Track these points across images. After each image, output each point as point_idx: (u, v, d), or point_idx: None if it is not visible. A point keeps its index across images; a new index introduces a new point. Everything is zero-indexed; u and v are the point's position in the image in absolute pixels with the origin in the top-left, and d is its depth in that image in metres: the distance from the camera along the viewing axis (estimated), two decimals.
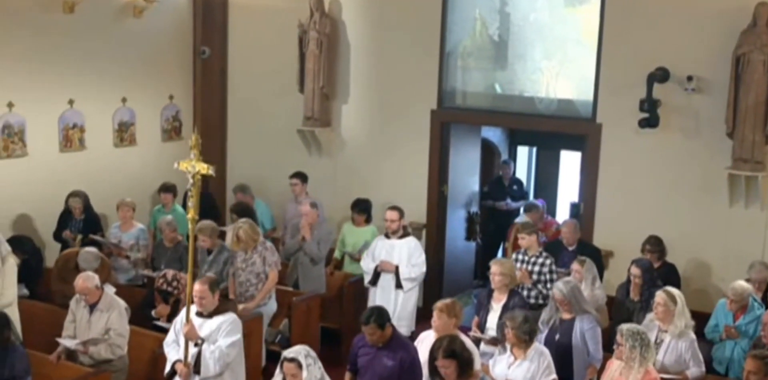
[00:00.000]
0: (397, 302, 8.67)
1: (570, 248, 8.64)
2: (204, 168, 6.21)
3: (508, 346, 6.22)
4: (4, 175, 9.47)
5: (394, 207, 8.82)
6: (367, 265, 8.85)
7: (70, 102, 10.11)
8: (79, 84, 10.15)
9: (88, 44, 10.17)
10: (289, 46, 10.93)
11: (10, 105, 9.48)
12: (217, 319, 6.41)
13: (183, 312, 6.52)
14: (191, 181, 6.30)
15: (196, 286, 6.36)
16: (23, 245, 8.71)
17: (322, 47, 10.64)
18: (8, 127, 9.51)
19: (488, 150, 12.14)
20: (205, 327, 6.38)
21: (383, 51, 10.62)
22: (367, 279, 8.84)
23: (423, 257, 8.84)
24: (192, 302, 6.39)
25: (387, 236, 8.80)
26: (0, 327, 6.31)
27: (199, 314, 6.45)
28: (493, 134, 12.33)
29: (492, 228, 11.65)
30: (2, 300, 7.36)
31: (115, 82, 10.59)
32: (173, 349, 6.54)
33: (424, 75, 10.30)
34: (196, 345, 6.30)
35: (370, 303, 8.54)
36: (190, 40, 11.53)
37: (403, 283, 8.63)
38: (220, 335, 6.33)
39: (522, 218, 9.92)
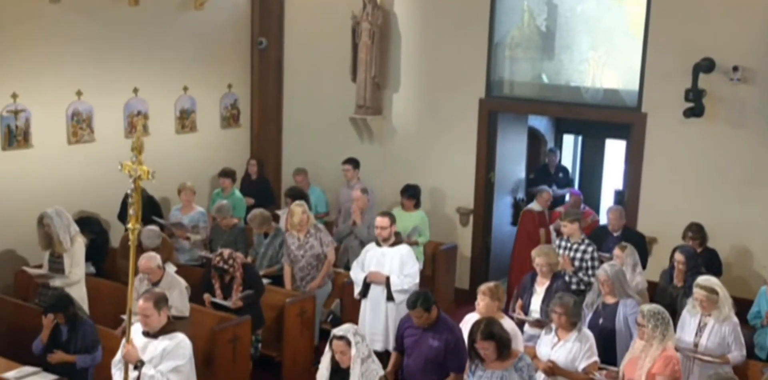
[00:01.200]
0: (389, 315, 7.68)
1: (615, 234, 8.55)
2: (145, 172, 5.48)
3: (553, 327, 6.19)
4: (73, 159, 9.65)
5: (384, 213, 7.92)
6: (356, 275, 7.90)
7: (135, 90, 10.26)
8: (143, 73, 10.29)
9: (151, 35, 10.30)
10: (343, 37, 10.93)
11: (79, 93, 9.65)
12: (163, 341, 5.50)
13: (132, 328, 5.60)
14: (131, 185, 5.54)
15: (140, 303, 5.50)
16: (91, 225, 8.88)
17: (374, 38, 10.64)
18: (77, 114, 9.68)
19: (534, 138, 12.05)
20: (150, 348, 5.49)
21: (433, 42, 10.58)
22: (356, 290, 7.92)
23: (416, 267, 7.88)
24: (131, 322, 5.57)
25: (378, 244, 7.84)
26: (66, 305, 6.45)
27: (146, 334, 5.57)
28: (540, 123, 12.24)
29: None
30: (71, 278, 7.55)
31: (177, 72, 10.72)
32: (118, 370, 5.64)
33: (472, 65, 10.24)
34: (135, 367, 5.39)
35: (361, 318, 7.80)
36: (248, 31, 11.61)
37: (395, 295, 7.62)
38: (163, 359, 5.43)
39: (534, 205, 9.92)
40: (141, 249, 8.18)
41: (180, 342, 5.53)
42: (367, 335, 7.11)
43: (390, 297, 7.63)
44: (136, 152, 5.49)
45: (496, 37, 10.19)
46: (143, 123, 10.37)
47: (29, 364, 6.60)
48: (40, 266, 7.86)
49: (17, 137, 9.10)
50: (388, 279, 7.61)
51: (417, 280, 7.78)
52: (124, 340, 5.55)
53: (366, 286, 7.75)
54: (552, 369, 6.01)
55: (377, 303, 7.71)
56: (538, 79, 10.17)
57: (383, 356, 7.13)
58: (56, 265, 7.62)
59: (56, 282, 7.49)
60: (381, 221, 7.73)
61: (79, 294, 7.44)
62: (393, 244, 7.76)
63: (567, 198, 12.20)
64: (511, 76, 10.28)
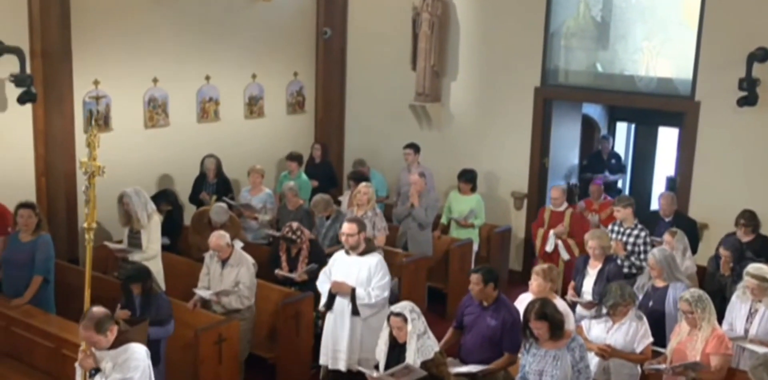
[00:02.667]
0: (354, 331, 6.77)
1: (666, 219, 8.38)
2: (97, 167, 5.13)
3: (604, 310, 6.11)
4: (150, 142, 9.82)
5: (352, 220, 6.93)
6: (321, 285, 6.95)
7: (207, 78, 10.37)
8: (214, 62, 10.39)
9: (222, 26, 10.39)
10: (403, 27, 10.92)
11: (155, 80, 9.80)
12: (116, 354, 5.02)
13: None
14: (87, 183, 5.16)
15: (82, 332, 4.99)
16: (168, 196, 9.04)
17: (433, 28, 10.60)
18: (153, 100, 9.84)
19: (588, 125, 11.89)
20: (108, 358, 5.02)
21: (491, 31, 10.49)
22: (322, 301, 6.97)
23: (387, 279, 6.80)
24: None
25: (347, 252, 6.87)
26: (144, 278, 6.55)
27: None
28: (594, 110, 12.07)
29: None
30: (148, 253, 7.70)
31: (246, 61, 10.80)
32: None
33: (528, 54, 10.14)
34: (90, 375, 4.99)
35: (325, 332, 6.97)
36: (313, 22, 11.64)
37: (360, 310, 6.69)
38: (114, 372, 4.97)
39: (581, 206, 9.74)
40: (210, 225, 8.33)
41: (132, 356, 5.02)
42: (329, 352, 6.89)
43: (355, 312, 6.70)
44: (90, 148, 5.13)
45: (552, 27, 10.07)
46: (214, 109, 10.51)
47: None
48: (120, 241, 8.02)
49: (98, 121, 9.28)
50: (353, 291, 6.69)
51: (386, 294, 6.76)
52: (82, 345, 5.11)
53: (331, 297, 6.85)
54: (609, 353, 5.93)
55: (342, 318, 6.79)
56: (593, 68, 10.02)
57: (346, 378, 6.85)
58: (135, 241, 7.78)
59: (134, 256, 7.64)
60: (348, 227, 6.75)
61: (156, 267, 7.59)
62: (362, 253, 6.78)
63: (620, 184, 12.07)
64: (566, 65, 10.14)
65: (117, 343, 5.00)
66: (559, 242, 8.76)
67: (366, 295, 6.64)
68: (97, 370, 4.95)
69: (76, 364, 5.13)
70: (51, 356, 6.48)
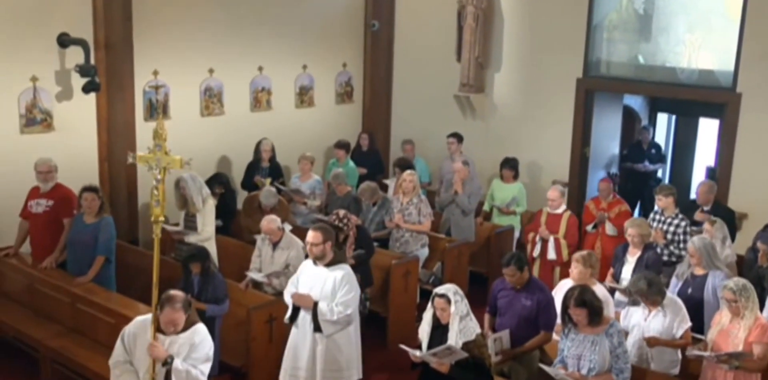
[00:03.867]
0: (316, 350, 6.03)
1: (705, 208, 8.21)
2: (176, 161, 4.68)
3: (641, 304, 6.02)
4: (205, 130, 9.91)
5: (317, 228, 6.01)
6: (287, 295, 6.18)
7: (260, 68, 10.43)
8: (267, 53, 10.44)
9: (275, 18, 10.42)
10: (449, 19, 10.86)
11: (211, 71, 9.88)
12: (184, 336, 4.94)
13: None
14: (158, 176, 4.72)
15: (169, 313, 4.83)
16: (221, 179, 9.12)
17: (478, 21, 10.53)
18: (209, 89, 9.93)
19: (629, 116, 11.69)
20: (175, 344, 4.92)
21: (534, 24, 10.37)
22: (287, 314, 6.20)
23: (353, 294, 5.95)
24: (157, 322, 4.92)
25: (314, 261, 6.09)
26: (202, 259, 6.61)
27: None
28: (635, 102, 11.87)
29: (630, 187, 11.30)
30: (203, 235, 7.78)
31: (297, 52, 10.83)
32: (124, 372, 5.04)
33: (571, 46, 10.01)
34: (164, 364, 4.84)
35: (288, 347, 6.25)
36: (361, 14, 11.61)
37: (322, 326, 5.92)
38: (193, 351, 4.92)
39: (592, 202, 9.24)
40: (261, 209, 8.40)
41: (205, 335, 4.99)
42: (288, 369, 6.19)
43: (317, 328, 5.95)
44: (159, 140, 4.72)
45: (595, 20, 9.93)
46: (266, 98, 10.57)
47: None
48: (177, 224, 8.11)
49: (157, 109, 9.40)
50: (316, 305, 5.93)
51: (350, 311, 5.91)
52: (142, 337, 4.94)
53: (296, 310, 6.10)
54: (653, 343, 5.85)
55: (304, 333, 6.05)
56: (635, 60, 9.86)
57: None
58: (190, 223, 7.86)
59: (190, 238, 7.72)
60: (312, 236, 5.91)
61: (211, 249, 7.65)
62: (329, 264, 6.00)
63: (660, 174, 11.86)
64: (608, 57, 10.00)
65: (187, 325, 4.94)
66: (550, 241, 8.22)
67: (329, 311, 5.87)
68: (172, 358, 4.83)
69: (114, 362, 5.01)
70: (112, 331, 6.57)
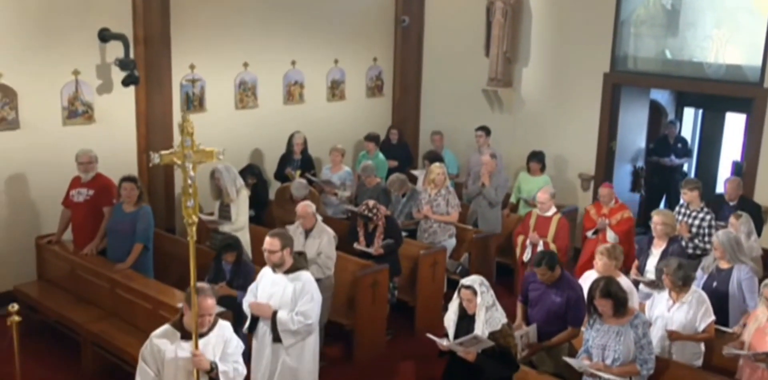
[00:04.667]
0: (276, 360, 5.59)
1: (731, 203, 8.08)
2: (209, 154, 4.30)
3: (666, 289, 5.96)
4: (240, 122, 9.96)
5: (274, 234, 5.56)
6: (245, 305, 5.75)
7: (293, 63, 10.44)
8: (299, 48, 10.44)
9: (307, 14, 10.42)
10: (478, 15, 10.79)
11: (246, 65, 9.91)
12: (214, 334, 4.74)
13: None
14: (191, 173, 4.24)
15: (208, 301, 4.61)
16: (253, 170, 9.17)
17: (507, 16, 10.46)
18: (243, 83, 9.96)
19: (656, 110, 11.55)
20: (213, 340, 4.75)
21: (562, 19, 10.26)
22: (246, 324, 5.75)
23: (314, 303, 5.50)
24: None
25: (273, 269, 5.63)
26: (236, 248, 6.66)
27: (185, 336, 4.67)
28: (661, 96, 11.71)
29: (656, 181, 11.19)
30: (236, 224, 7.82)
31: (329, 46, 10.83)
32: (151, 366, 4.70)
33: (598, 41, 9.89)
34: (210, 371, 4.61)
35: (252, 359, 5.68)
36: (392, 10, 11.58)
37: (282, 336, 5.49)
38: (228, 348, 4.77)
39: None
40: (292, 200, 8.43)
41: (229, 327, 4.81)
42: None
43: (276, 338, 5.51)
44: (186, 135, 4.29)
45: (623, 15, 9.80)
46: (299, 92, 10.59)
47: None
48: (211, 213, 8.16)
49: (194, 102, 9.46)
50: (274, 314, 5.50)
51: (311, 321, 5.46)
52: (170, 351, 4.65)
53: (255, 319, 5.66)
54: (675, 337, 5.79)
55: (263, 344, 5.59)
56: (662, 55, 9.71)
57: None
58: (225, 213, 7.90)
59: (224, 227, 7.77)
60: (269, 243, 5.47)
61: (244, 238, 7.70)
62: (288, 271, 5.55)
63: (686, 168, 11.69)
64: (635, 52, 9.85)
65: (213, 322, 4.76)
66: (540, 245, 7.70)
67: (289, 320, 5.42)
68: (215, 364, 4.63)
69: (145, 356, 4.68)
70: (149, 316, 6.67)
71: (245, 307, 5.71)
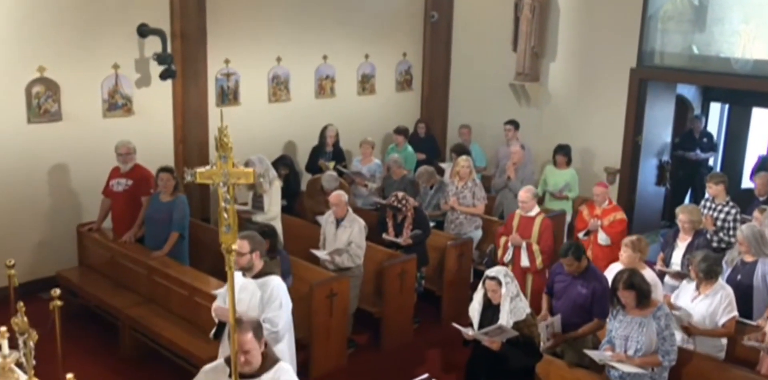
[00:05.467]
0: None
1: (761, 198, 7.89)
2: (248, 174, 3.64)
3: (694, 280, 5.88)
4: (272, 115, 10.01)
5: (244, 236, 4.98)
6: (213, 310, 5.20)
7: (324, 57, 10.45)
8: (331, 43, 10.45)
9: (339, 10, 10.42)
10: (506, 11, 10.72)
11: (279, 59, 9.94)
12: (267, 377, 4.05)
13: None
14: (226, 196, 3.60)
15: (240, 337, 3.88)
16: (286, 161, 9.20)
17: (534, 12, 10.38)
18: (276, 77, 10.00)
19: (682, 105, 11.37)
20: None
21: (590, 15, 10.15)
22: (213, 330, 5.24)
23: (282, 310, 5.00)
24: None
25: (242, 273, 5.12)
26: (270, 236, 6.66)
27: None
28: (688, 91, 11.52)
29: (681, 175, 11.03)
30: (269, 214, 7.85)
31: (359, 42, 10.82)
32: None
33: (625, 37, 9.78)
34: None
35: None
36: (422, 6, 11.53)
37: None
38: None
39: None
40: (323, 191, 8.45)
41: (291, 374, 4.13)
42: None
43: None
44: (224, 151, 3.68)
45: (650, 11, 9.66)
46: (330, 86, 10.60)
47: None
48: (245, 203, 8.18)
49: (228, 96, 9.52)
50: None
51: (278, 328, 4.94)
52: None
53: (221, 325, 5.10)
54: (692, 331, 5.73)
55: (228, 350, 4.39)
56: (688, 50, 9.56)
57: None
58: (257, 203, 7.93)
59: (257, 217, 7.79)
60: (238, 245, 4.32)
61: (276, 227, 7.71)
62: (257, 275, 5.06)
63: (711, 162, 11.51)
64: (662, 47, 9.72)
65: (268, 363, 4.06)
66: (523, 247, 7.29)
67: None
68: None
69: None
70: (185, 302, 6.74)
71: (213, 313, 5.13)
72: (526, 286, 7.30)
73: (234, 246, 3.67)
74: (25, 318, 4.41)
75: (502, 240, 7.49)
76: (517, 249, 7.35)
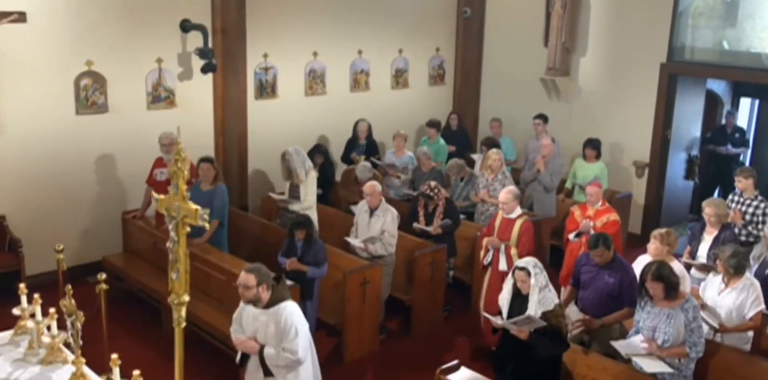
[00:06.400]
0: None
1: None
2: (192, 213, 3.33)
3: (720, 273, 5.78)
4: (309, 108, 10.01)
5: (250, 270, 4.85)
6: (234, 334, 5.12)
7: (359, 52, 10.43)
8: (365, 38, 10.41)
9: (373, 6, 10.38)
10: (537, 7, 10.59)
11: (315, 54, 9.94)
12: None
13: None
14: (172, 234, 3.39)
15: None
16: (320, 149, 9.20)
17: (566, 8, 10.23)
18: (313, 71, 10.00)
19: (712, 100, 11.15)
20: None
21: (620, 11, 9.98)
22: (237, 357, 5.20)
23: (299, 338, 4.84)
24: None
25: (253, 303, 4.94)
26: (307, 226, 6.68)
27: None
28: (718, 86, 11.29)
29: (711, 169, 10.82)
30: (305, 203, 7.87)
31: (393, 37, 10.77)
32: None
33: (656, 32, 9.60)
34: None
35: None
36: (455, 2, 11.43)
37: (272, 370, 4.92)
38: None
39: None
40: (357, 181, 8.45)
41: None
42: None
43: (267, 373, 4.95)
44: (177, 181, 3.39)
45: (681, 7, 9.47)
46: (365, 80, 10.57)
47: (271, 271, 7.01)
48: (282, 193, 8.22)
49: (266, 89, 9.54)
50: (262, 349, 4.93)
51: (298, 356, 4.85)
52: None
53: (244, 354, 5.11)
54: (722, 329, 5.64)
55: (255, 378, 5.05)
56: (719, 46, 9.36)
57: None
58: (294, 193, 7.94)
59: (294, 206, 7.82)
60: (245, 279, 4.82)
61: (312, 216, 7.75)
62: (267, 306, 4.89)
63: (742, 158, 11.24)
64: (693, 43, 9.53)
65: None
66: (501, 250, 6.76)
67: (275, 356, 4.88)
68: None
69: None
70: (223, 287, 6.79)
71: (233, 337, 5.11)
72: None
73: (186, 298, 3.48)
74: (73, 301, 4.49)
75: (485, 241, 6.92)
76: (496, 251, 6.82)
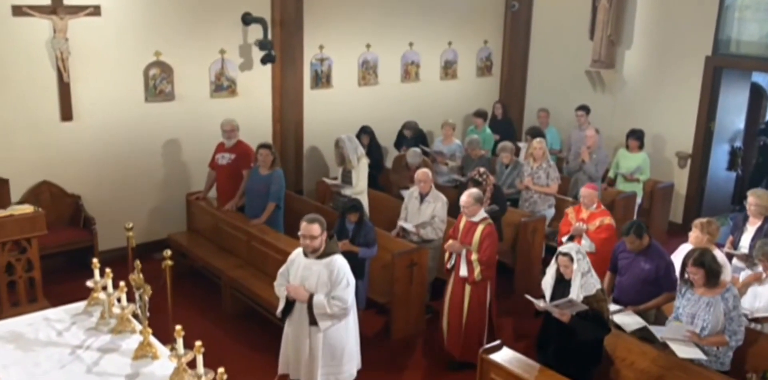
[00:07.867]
0: (312, 345, 5.01)
1: None
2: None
3: (760, 266, 5.58)
4: (362, 98, 9.99)
5: (313, 220, 4.94)
6: (279, 288, 5.17)
7: (410, 44, 10.34)
8: (415, 31, 10.32)
9: (422, 0, 10.27)
10: (584, 0, 10.31)
11: (368, 46, 9.89)
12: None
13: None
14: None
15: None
16: (366, 130, 9.18)
17: (612, 1, 9.96)
18: (366, 62, 9.96)
19: (757, 93, 10.76)
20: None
21: (666, 5, 9.67)
22: (279, 307, 5.16)
23: (350, 288, 4.92)
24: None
25: (305, 253, 5.04)
26: (359, 209, 6.66)
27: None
28: (763, 79, 10.88)
29: (760, 161, 10.46)
30: (357, 188, 7.87)
31: (443, 30, 10.65)
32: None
33: (701, 25, 9.26)
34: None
35: (284, 342, 5.24)
36: None
37: (318, 319, 4.91)
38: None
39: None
40: (407, 167, 8.40)
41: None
42: (291, 362, 5.19)
43: (313, 321, 4.93)
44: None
45: (727, 1, 9.10)
46: (415, 71, 10.49)
47: None
48: (335, 178, 8.25)
49: (321, 79, 9.55)
50: (311, 297, 4.92)
51: (347, 305, 4.90)
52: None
53: (289, 304, 5.09)
54: (762, 321, 5.45)
55: (300, 328, 5.04)
56: (765, 39, 8.98)
57: None
58: (346, 178, 7.96)
59: (346, 190, 7.83)
60: (308, 229, 4.88)
61: (363, 201, 7.75)
62: (321, 256, 4.95)
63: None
64: (738, 36, 9.17)
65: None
66: (462, 255, 6.08)
67: (325, 304, 4.87)
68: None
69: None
70: (279, 265, 6.70)
71: (278, 291, 5.15)
72: (465, 298, 6.14)
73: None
74: (141, 275, 4.57)
75: (447, 244, 6.23)
76: (458, 255, 6.16)
